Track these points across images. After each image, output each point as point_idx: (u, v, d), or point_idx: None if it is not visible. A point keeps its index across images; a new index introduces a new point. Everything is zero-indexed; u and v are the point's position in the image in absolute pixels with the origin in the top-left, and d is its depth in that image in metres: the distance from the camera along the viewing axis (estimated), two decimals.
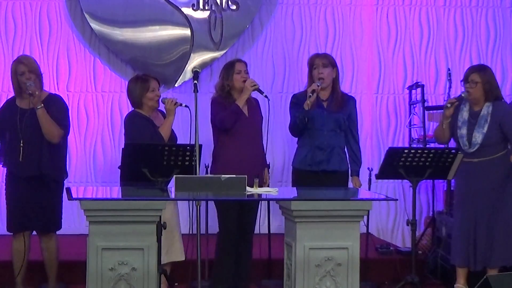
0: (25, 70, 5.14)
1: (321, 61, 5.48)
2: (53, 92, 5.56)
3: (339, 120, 5.47)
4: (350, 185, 5.57)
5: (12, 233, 5.25)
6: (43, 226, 5.24)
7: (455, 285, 5.54)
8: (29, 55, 5.94)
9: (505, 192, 5.42)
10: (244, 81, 5.36)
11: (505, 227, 5.41)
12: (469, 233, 5.44)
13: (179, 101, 5.25)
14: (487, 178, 5.39)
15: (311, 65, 5.51)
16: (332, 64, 5.51)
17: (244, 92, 5.32)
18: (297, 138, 5.58)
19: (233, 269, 5.34)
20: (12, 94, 5.39)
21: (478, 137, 5.38)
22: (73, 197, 4.27)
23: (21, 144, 5.06)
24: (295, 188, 5.53)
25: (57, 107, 5.24)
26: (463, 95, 5.46)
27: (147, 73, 5.76)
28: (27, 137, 5.10)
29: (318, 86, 5.37)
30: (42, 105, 5.10)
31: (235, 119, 5.28)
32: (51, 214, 5.24)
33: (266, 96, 5.35)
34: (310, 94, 5.33)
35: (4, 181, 5.34)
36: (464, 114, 5.48)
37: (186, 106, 5.18)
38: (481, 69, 5.49)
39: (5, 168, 5.30)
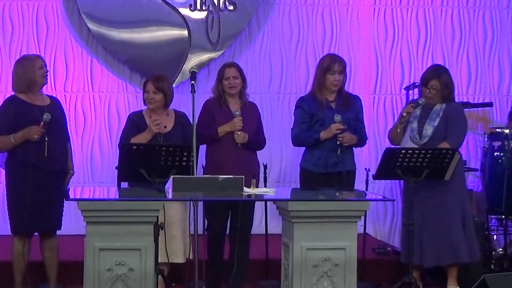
0: (43, 64, 5.29)
1: (340, 68, 5.43)
2: (49, 94, 5.61)
3: (349, 120, 5.46)
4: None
5: (15, 235, 5.21)
6: (49, 225, 5.24)
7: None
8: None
9: (444, 192, 5.46)
10: (231, 87, 5.34)
11: (441, 226, 5.45)
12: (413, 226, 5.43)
13: (164, 127, 5.17)
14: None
15: (327, 68, 5.42)
16: (345, 68, 5.51)
17: (228, 126, 5.30)
18: None
19: (224, 269, 5.35)
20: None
21: (428, 129, 5.49)
22: (71, 197, 4.28)
23: (46, 139, 5.11)
24: (292, 188, 5.53)
25: (63, 115, 5.42)
26: (420, 101, 5.54)
27: (142, 72, 5.75)
28: (50, 134, 5.16)
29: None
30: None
31: (209, 142, 5.33)
32: (58, 212, 5.26)
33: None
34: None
35: (11, 182, 5.24)
36: (417, 111, 5.58)
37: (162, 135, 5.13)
38: (440, 74, 5.55)
39: (15, 167, 5.20)
